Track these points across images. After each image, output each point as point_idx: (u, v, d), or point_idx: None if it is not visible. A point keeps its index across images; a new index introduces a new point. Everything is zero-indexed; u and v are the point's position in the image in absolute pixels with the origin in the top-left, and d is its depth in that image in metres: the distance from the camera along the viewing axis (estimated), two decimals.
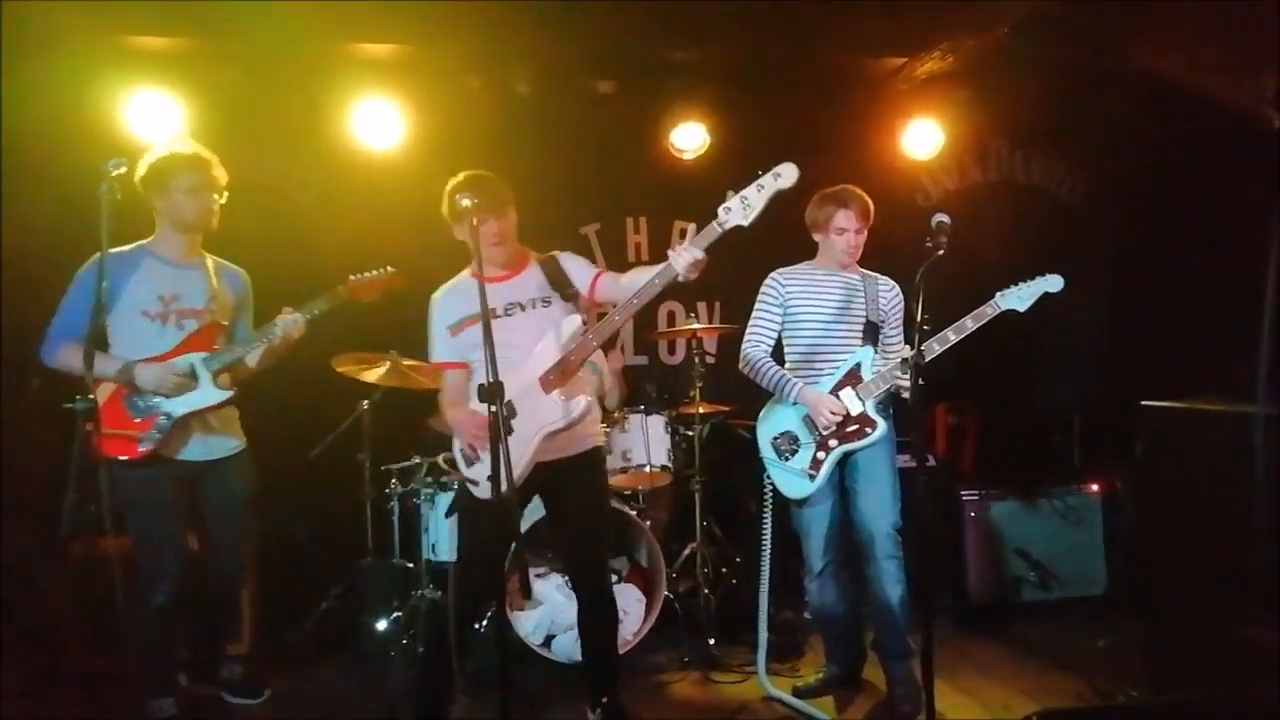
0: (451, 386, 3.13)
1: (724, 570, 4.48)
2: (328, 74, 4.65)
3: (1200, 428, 2.93)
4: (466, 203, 2.77)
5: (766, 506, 3.53)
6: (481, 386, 2.49)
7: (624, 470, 4.20)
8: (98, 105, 4.34)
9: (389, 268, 3.38)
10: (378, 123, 4.73)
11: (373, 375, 4.06)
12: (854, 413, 3.34)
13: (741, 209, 2.57)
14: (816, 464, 3.38)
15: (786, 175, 2.58)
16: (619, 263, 5.28)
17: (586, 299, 3.05)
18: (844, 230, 3.37)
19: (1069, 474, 4.88)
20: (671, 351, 5.38)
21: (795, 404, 3.39)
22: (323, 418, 4.30)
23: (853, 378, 3.37)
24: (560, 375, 2.93)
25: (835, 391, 3.37)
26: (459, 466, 3.11)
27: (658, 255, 5.30)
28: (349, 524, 4.29)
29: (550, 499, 3.18)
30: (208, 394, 3.19)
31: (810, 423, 3.39)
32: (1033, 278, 3.15)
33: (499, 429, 2.46)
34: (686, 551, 4.45)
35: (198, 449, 3.24)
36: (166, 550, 3.12)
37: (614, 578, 4.13)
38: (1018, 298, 3.15)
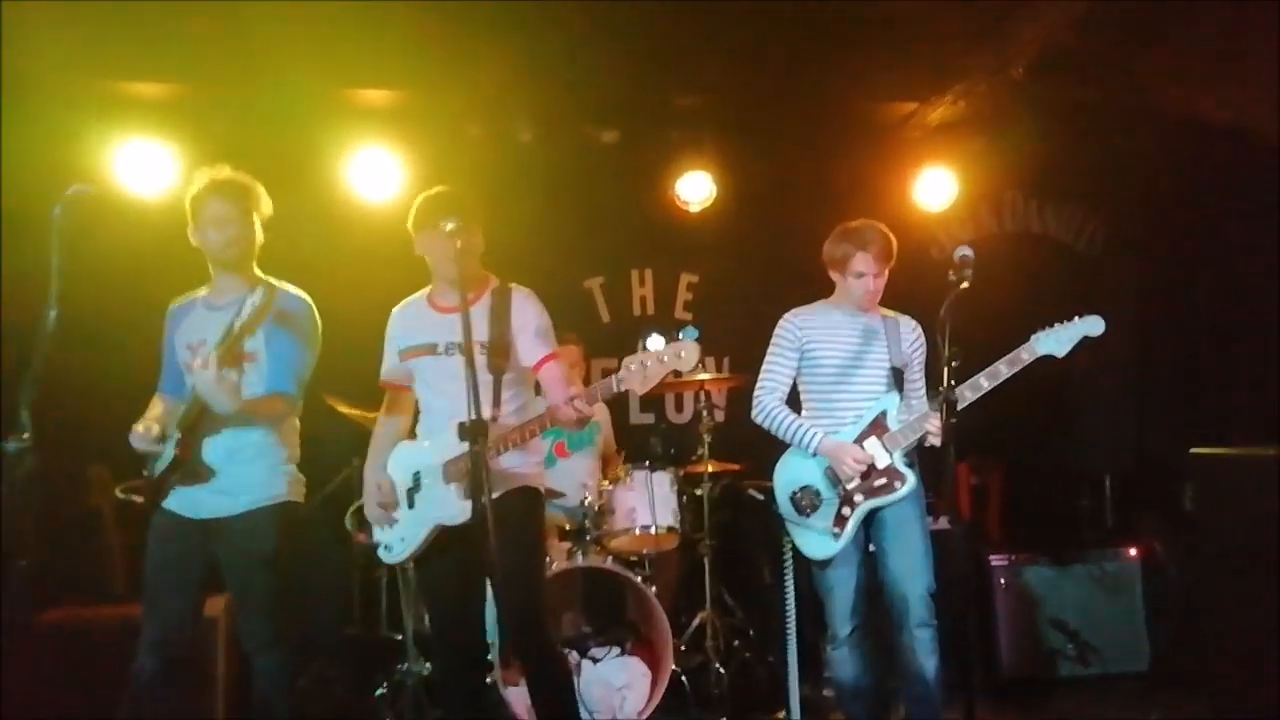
0: (380, 434, 2.97)
1: (736, 643, 4.17)
2: (324, 121, 4.53)
3: (1257, 474, 2.67)
4: (450, 226, 2.59)
5: (787, 568, 3.24)
6: (461, 425, 2.36)
7: (628, 531, 3.93)
8: (88, 153, 4.21)
9: None
10: (375, 172, 4.59)
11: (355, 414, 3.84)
12: (880, 465, 3.09)
13: (640, 375, 2.47)
14: (841, 521, 3.11)
15: (687, 358, 2.46)
16: (625, 316, 5.11)
17: (529, 371, 2.82)
18: (863, 275, 3.15)
19: (1103, 537, 4.58)
20: (679, 408, 5.14)
21: (815, 455, 3.15)
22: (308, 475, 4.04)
23: (878, 427, 3.12)
24: (463, 468, 2.59)
25: (859, 442, 3.12)
26: (371, 526, 2.95)
27: (663, 309, 5.14)
28: (332, 591, 4.00)
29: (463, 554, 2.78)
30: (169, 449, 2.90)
31: (833, 476, 3.14)
32: (1069, 320, 2.95)
33: (481, 469, 2.34)
34: (696, 622, 4.14)
35: (201, 505, 2.85)
36: (149, 613, 2.84)
37: (617, 650, 3.83)
38: (1055, 340, 2.94)
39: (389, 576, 3.99)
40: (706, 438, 4.16)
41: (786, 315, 3.27)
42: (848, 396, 3.18)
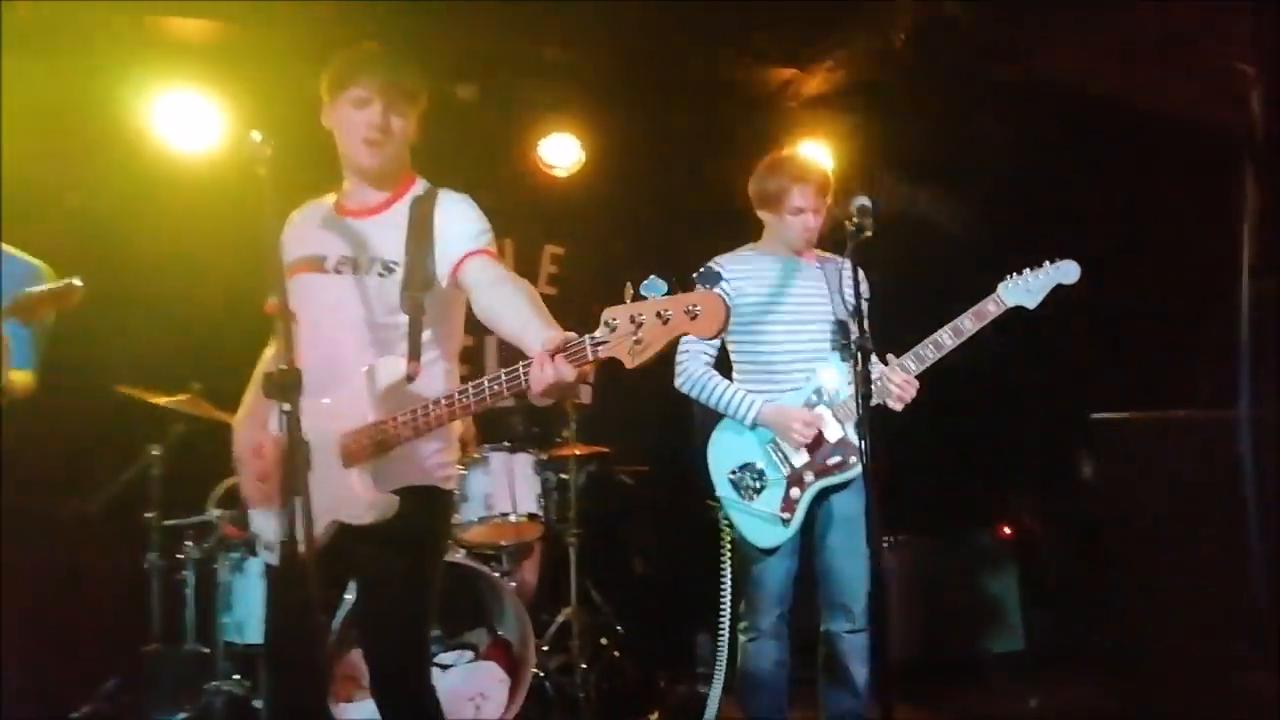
0: (256, 386, 2.21)
1: (603, 641, 3.80)
2: (128, 59, 3.89)
3: (1168, 438, 2.51)
4: (360, 93, 2.06)
5: (725, 559, 2.82)
6: (269, 376, 1.77)
7: (483, 521, 3.50)
8: None
9: (73, 280, 2.46)
10: (188, 118, 3.97)
11: (167, 400, 3.28)
12: (832, 438, 2.72)
13: (629, 338, 1.71)
14: (790, 504, 2.72)
15: (705, 317, 1.69)
16: None
17: (448, 278, 2.06)
18: (802, 211, 2.74)
19: (977, 516, 4.47)
20: None
21: (755, 427, 2.74)
22: (100, 463, 3.45)
23: (826, 393, 2.76)
24: (373, 446, 1.96)
25: (809, 410, 2.75)
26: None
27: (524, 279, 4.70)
28: (129, 599, 3.40)
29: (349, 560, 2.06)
30: None
31: (778, 451, 2.74)
32: (1039, 265, 2.66)
33: (296, 462, 1.74)
34: (560, 619, 3.75)
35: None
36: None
37: (469, 654, 3.39)
38: (1025, 290, 2.65)
39: (196, 579, 3.41)
40: (574, 417, 3.78)
41: (710, 262, 2.79)
42: (787, 357, 2.77)
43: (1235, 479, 2.28)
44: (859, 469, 2.69)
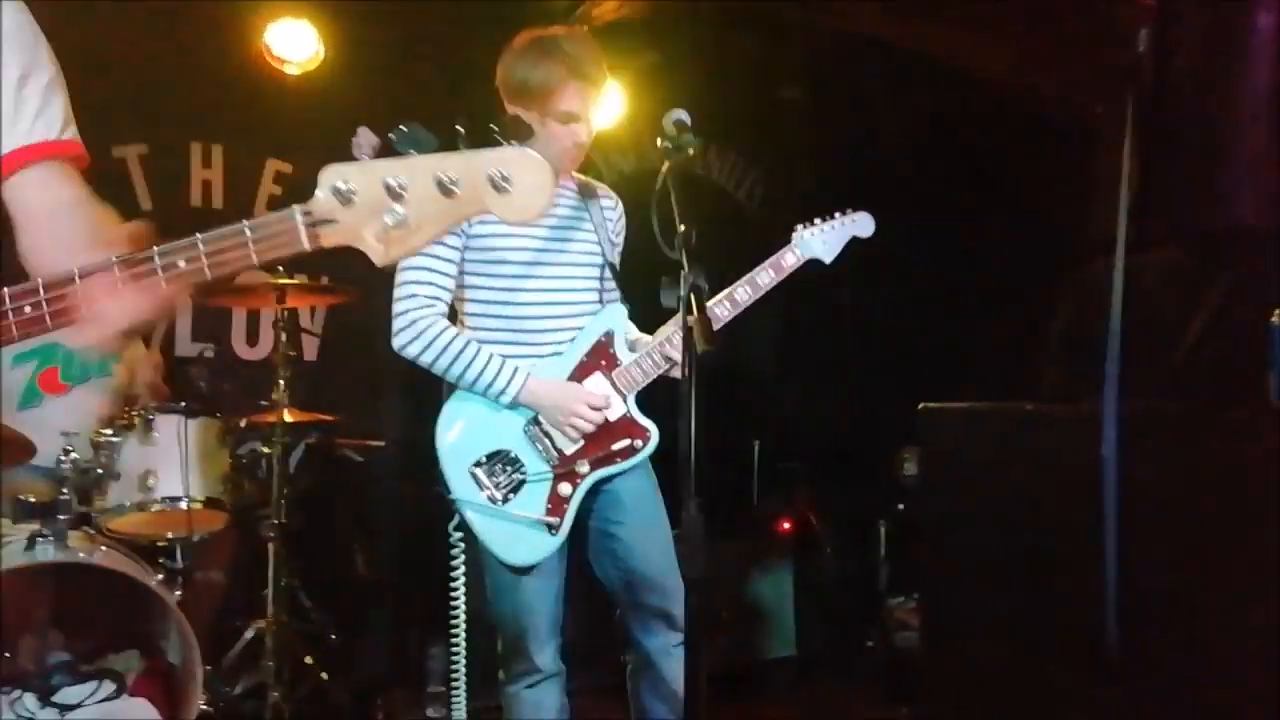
0: None
1: (308, 659, 3.00)
2: None
3: (1003, 432, 2.15)
4: None
5: (457, 582, 2.11)
6: None
7: (143, 507, 2.59)
8: None
9: None
10: None
11: None
12: (613, 417, 2.09)
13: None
14: (559, 505, 2.06)
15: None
16: (176, 206, 3.63)
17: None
18: (575, 118, 2.07)
19: (751, 513, 4.10)
20: (254, 340, 3.76)
21: (515, 406, 2.07)
22: None
23: (601, 357, 2.12)
24: None
25: (578, 380, 2.11)
26: None
27: (238, 201, 3.73)
28: None
29: None
30: None
31: (542, 435, 2.08)
32: (829, 217, 2.27)
33: None
34: (251, 633, 2.92)
35: None
36: None
37: (110, 686, 2.49)
38: (822, 242, 2.25)
39: None
40: (283, 375, 2.92)
41: None
42: (545, 310, 2.12)
43: (1078, 481, 1.90)
44: (647, 452, 2.12)
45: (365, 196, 1.07)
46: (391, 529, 3.72)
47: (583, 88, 2.06)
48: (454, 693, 2.26)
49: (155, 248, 1.12)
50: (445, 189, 1.07)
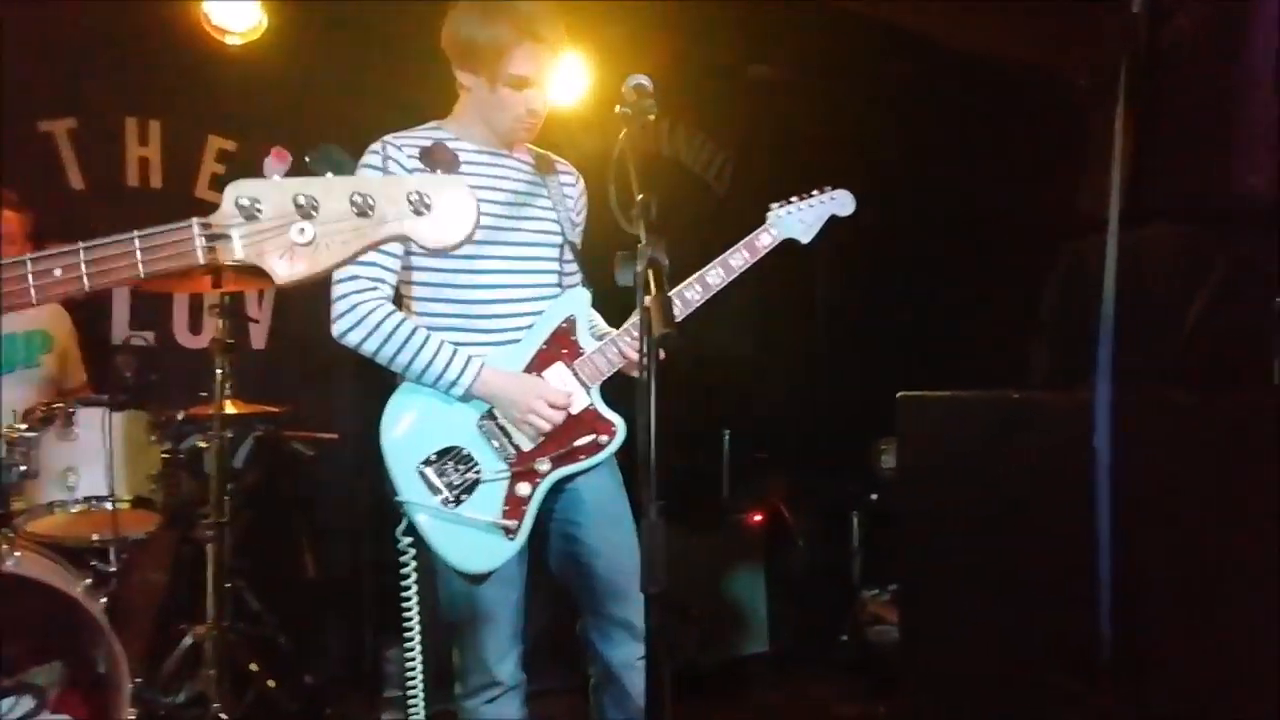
0: None
1: (253, 666, 2.82)
2: None
3: (979, 422, 2.03)
4: None
5: (409, 592, 1.93)
6: None
7: (63, 507, 2.40)
8: None
9: None
10: None
11: None
12: (575, 410, 1.94)
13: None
14: (516, 507, 1.90)
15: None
16: (110, 184, 3.40)
17: None
18: (526, 82, 1.90)
19: (721, 504, 3.96)
20: (197, 327, 3.55)
21: (468, 399, 1.90)
22: None
23: (561, 345, 1.96)
24: None
25: (537, 371, 1.95)
26: None
27: (177, 181, 3.50)
28: None
29: None
30: None
31: (498, 431, 1.92)
32: (806, 195, 2.15)
33: None
34: (189, 639, 2.74)
35: None
36: None
37: (28, 703, 2.30)
38: (799, 221, 2.13)
39: None
40: (222, 365, 2.73)
41: (380, 146, 1.90)
42: (499, 294, 1.96)
43: (1068, 474, 1.79)
44: (612, 448, 1.96)
45: (272, 212, 1.06)
46: (344, 527, 3.54)
47: (536, 50, 1.89)
48: (411, 703, 2.11)
49: (28, 255, 1.06)
50: (360, 209, 1.06)
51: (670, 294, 1.86)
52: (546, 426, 1.90)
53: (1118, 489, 1.71)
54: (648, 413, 1.31)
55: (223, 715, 2.58)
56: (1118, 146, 1.78)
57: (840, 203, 2.17)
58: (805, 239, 2.14)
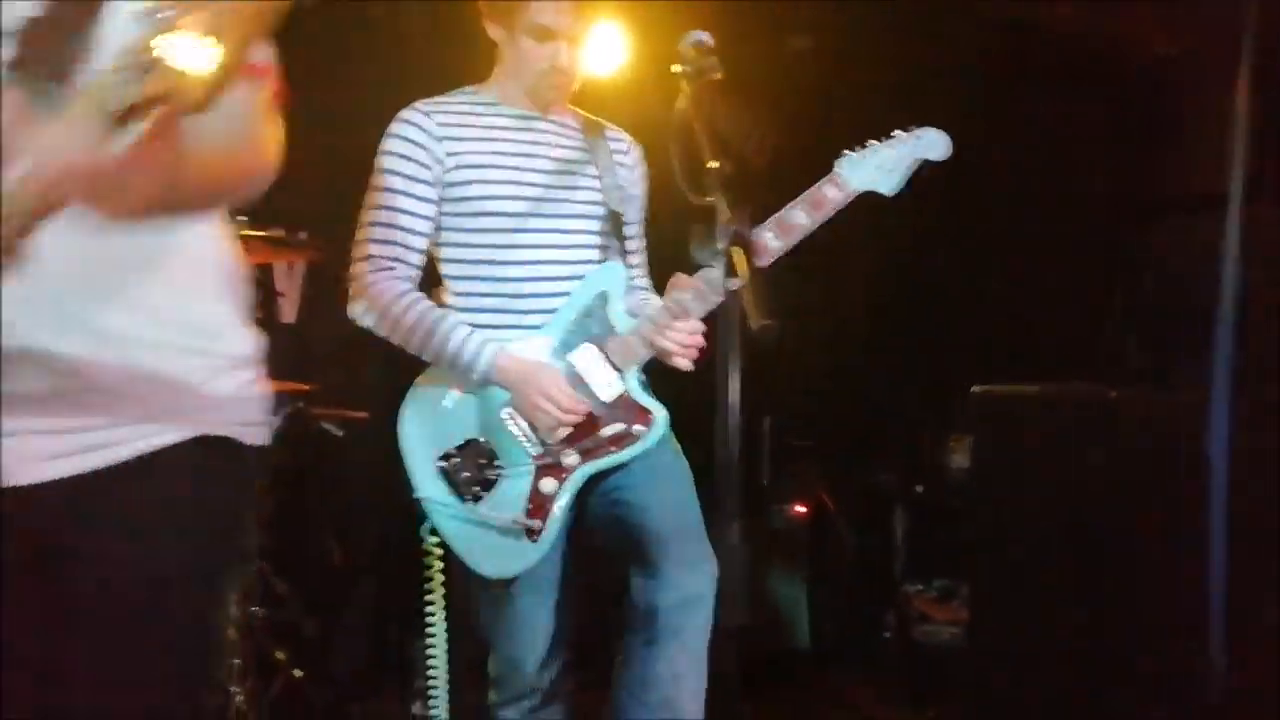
0: None
1: (279, 654, 2.73)
2: None
3: (1064, 420, 1.86)
4: None
5: (433, 594, 1.82)
6: None
7: None
8: None
9: None
10: None
11: None
12: (608, 396, 1.78)
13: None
14: (540, 504, 1.76)
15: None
16: None
17: None
18: (551, 34, 1.75)
19: (762, 494, 3.83)
20: None
21: (485, 387, 1.77)
22: None
23: (592, 324, 1.82)
24: None
25: (566, 356, 1.81)
26: None
27: None
28: None
29: None
30: None
31: (521, 421, 1.78)
32: (890, 135, 1.83)
33: None
34: None
35: None
36: None
37: None
38: (876, 169, 1.80)
39: None
40: None
41: (407, 114, 1.79)
42: (538, 271, 1.82)
43: (1165, 481, 1.62)
44: (649, 438, 1.78)
45: None
46: (374, 509, 3.44)
47: (559, 3, 1.74)
48: (433, 705, 2.00)
49: None
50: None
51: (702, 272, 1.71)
52: (551, 423, 1.74)
53: (1232, 502, 1.54)
54: (725, 419, 1.16)
55: (244, 708, 2.49)
56: (1241, 119, 1.59)
57: (929, 143, 1.83)
58: (888, 189, 1.83)
